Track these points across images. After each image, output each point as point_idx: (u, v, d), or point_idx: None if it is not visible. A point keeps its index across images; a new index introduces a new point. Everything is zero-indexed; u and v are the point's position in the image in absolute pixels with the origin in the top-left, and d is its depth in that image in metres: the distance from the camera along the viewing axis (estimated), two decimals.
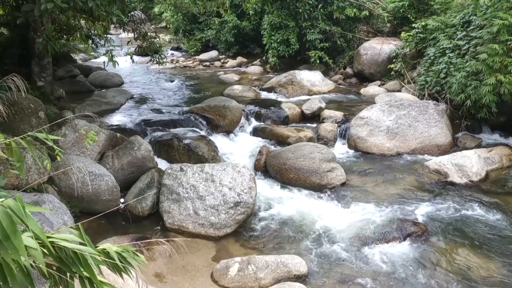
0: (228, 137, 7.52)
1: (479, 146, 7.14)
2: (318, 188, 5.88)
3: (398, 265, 4.29)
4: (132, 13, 8.20)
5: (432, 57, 8.42)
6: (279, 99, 9.52)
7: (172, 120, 7.55)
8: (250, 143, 7.40)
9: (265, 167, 6.43)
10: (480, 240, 4.68)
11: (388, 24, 11.94)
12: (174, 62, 14.40)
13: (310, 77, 10.46)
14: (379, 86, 10.29)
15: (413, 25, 9.89)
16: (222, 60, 14.53)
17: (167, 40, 17.71)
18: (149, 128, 7.19)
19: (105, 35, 8.25)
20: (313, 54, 11.50)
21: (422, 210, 5.26)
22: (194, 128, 7.41)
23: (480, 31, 7.19)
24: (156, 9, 19.57)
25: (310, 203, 5.56)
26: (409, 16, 10.79)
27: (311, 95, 9.89)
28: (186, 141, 6.55)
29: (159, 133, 6.97)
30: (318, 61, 11.52)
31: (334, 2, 11.61)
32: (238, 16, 14.21)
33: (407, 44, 9.89)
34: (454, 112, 7.64)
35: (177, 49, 17.37)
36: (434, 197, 5.66)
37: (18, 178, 4.50)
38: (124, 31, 7.90)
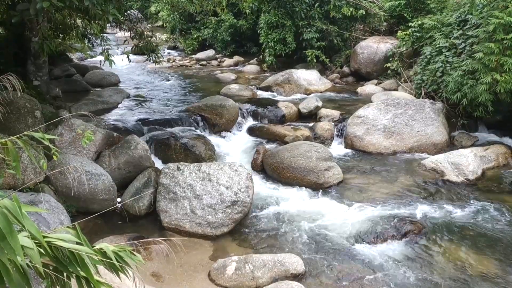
0: (225, 136, 7.52)
1: (475, 144, 7.16)
2: (315, 187, 5.89)
3: (395, 263, 4.30)
4: (128, 12, 8.17)
5: (428, 56, 8.45)
6: (276, 98, 9.52)
7: (169, 119, 7.53)
8: (247, 142, 7.40)
9: (262, 166, 6.44)
10: (476, 238, 4.70)
11: (385, 23, 11.98)
12: (170, 61, 14.37)
13: (307, 76, 10.46)
14: (376, 85, 10.32)
15: (410, 24, 9.95)
16: (218, 59, 14.51)
17: (164, 39, 17.65)
18: (146, 127, 7.17)
19: (102, 34, 8.21)
20: (309, 53, 11.50)
21: (419, 209, 5.28)
22: (191, 127, 7.40)
23: (476, 30, 7.22)
24: (152, 8, 19.54)
25: (307, 202, 5.57)
26: (405, 15, 10.83)
27: (308, 94, 9.89)
28: (183, 140, 6.54)
29: (156, 132, 6.95)
30: (314, 60, 11.53)
31: (330, 1, 11.62)
32: (235, 15, 14.20)
33: (404, 43, 9.93)
34: (451, 110, 7.67)
35: (174, 48, 17.34)
36: (431, 195, 5.68)
37: (14, 178, 4.48)
38: (120, 30, 7.87)
